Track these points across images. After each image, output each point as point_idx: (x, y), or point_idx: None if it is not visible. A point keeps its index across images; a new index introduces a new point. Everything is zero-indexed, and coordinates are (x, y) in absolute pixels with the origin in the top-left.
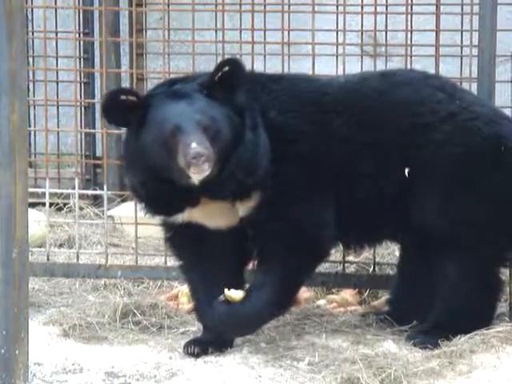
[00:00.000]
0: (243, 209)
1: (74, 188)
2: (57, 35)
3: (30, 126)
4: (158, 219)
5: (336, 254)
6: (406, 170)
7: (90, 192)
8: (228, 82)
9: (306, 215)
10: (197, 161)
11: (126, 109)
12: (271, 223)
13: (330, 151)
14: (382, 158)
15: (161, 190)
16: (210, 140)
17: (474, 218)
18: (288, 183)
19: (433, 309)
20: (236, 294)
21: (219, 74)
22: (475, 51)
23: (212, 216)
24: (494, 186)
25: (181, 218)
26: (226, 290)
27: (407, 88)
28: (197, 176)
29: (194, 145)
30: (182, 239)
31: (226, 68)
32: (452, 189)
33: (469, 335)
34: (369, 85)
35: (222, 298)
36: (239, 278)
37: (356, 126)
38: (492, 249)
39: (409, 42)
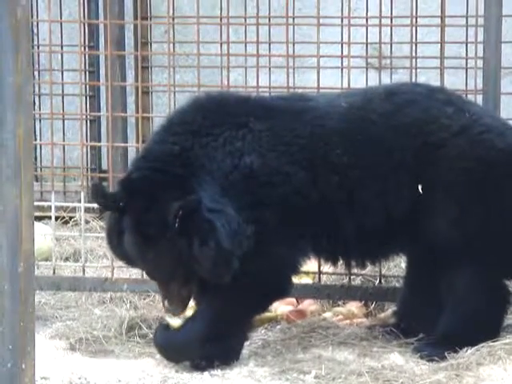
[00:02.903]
0: None
1: (79, 201)
2: (62, 49)
3: (35, 140)
4: None
5: (342, 266)
6: (420, 187)
7: (95, 205)
8: (185, 224)
9: (276, 261)
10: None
11: (109, 199)
12: (244, 263)
13: (322, 186)
14: (391, 179)
15: None
16: (176, 286)
17: (487, 231)
18: (264, 227)
19: (439, 321)
20: (174, 322)
21: (178, 223)
22: (480, 63)
23: None
24: (508, 198)
25: None
26: (166, 317)
27: (414, 107)
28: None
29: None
30: None
31: (180, 213)
32: (466, 202)
33: (476, 347)
34: (373, 108)
35: (165, 322)
36: None
37: (360, 154)
38: (502, 261)
39: (414, 55)
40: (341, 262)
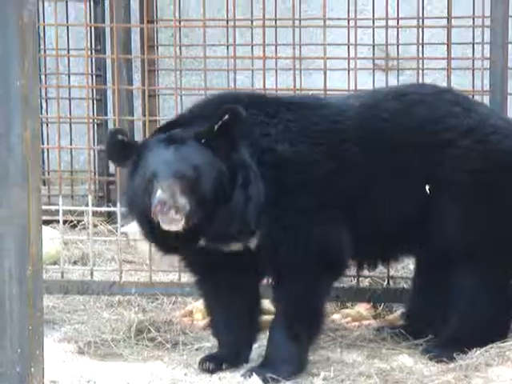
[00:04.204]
0: (251, 243)
1: (87, 205)
2: (69, 52)
3: (42, 144)
4: None
5: (350, 268)
6: (427, 187)
7: (103, 209)
8: (227, 131)
9: (321, 238)
10: (161, 208)
11: (125, 149)
12: (288, 249)
13: (341, 179)
14: (400, 178)
15: (156, 233)
16: (188, 190)
17: (494, 232)
18: (301, 210)
19: (448, 322)
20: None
21: (219, 124)
22: (487, 64)
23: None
24: None
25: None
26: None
27: (422, 107)
28: (166, 226)
29: (159, 192)
30: (198, 258)
31: (226, 117)
32: (473, 203)
33: (484, 348)
34: (383, 108)
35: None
36: (255, 293)
37: (372, 152)
38: (510, 262)
39: (420, 56)
40: (352, 262)
